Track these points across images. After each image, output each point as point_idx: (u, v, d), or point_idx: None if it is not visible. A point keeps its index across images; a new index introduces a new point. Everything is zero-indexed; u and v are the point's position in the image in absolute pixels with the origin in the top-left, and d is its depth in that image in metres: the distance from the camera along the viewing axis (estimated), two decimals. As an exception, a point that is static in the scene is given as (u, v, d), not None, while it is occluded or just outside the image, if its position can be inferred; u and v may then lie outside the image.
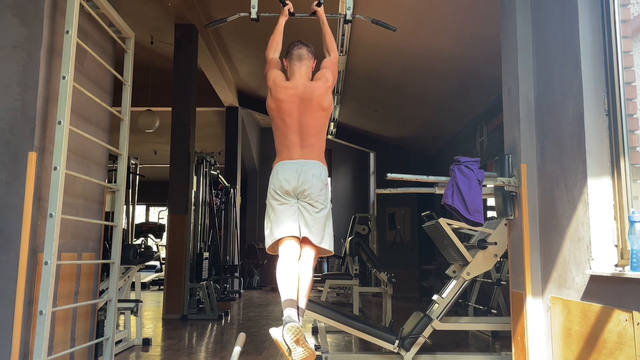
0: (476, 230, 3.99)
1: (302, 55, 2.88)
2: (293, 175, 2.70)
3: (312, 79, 2.88)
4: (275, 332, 2.44)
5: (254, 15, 3.14)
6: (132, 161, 8.33)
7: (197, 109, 7.56)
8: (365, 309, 7.96)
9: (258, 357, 4.42)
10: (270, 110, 2.86)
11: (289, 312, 2.43)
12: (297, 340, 2.33)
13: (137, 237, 11.52)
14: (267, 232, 2.76)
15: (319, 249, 2.74)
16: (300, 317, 2.50)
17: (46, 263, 2.55)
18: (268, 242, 2.75)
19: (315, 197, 2.70)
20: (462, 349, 4.85)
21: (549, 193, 2.89)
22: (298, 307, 2.52)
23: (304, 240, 2.72)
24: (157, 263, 13.59)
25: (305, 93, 2.80)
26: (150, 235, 12.15)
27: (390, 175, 3.23)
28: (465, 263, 3.82)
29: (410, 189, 3.66)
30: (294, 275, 2.59)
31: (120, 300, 4.74)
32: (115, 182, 3.54)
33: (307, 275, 2.64)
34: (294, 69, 2.88)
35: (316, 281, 8.31)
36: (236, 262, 10.26)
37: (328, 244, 2.74)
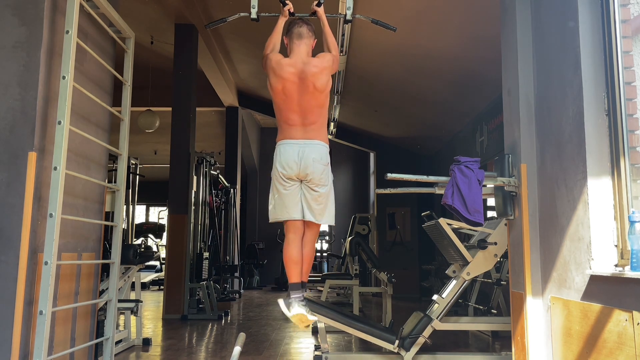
0: (476, 230, 3.99)
1: (302, 34, 2.92)
2: (294, 159, 2.80)
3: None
4: (282, 305, 2.87)
5: (254, 15, 3.13)
6: (132, 161, 8.33)
7: (197, 109, 7.56)
8: (365, 309, 7.96)
9: (258, 357, 4.43)
10: (272, 89, 2.91)
11: (295, 295, 2.83)
12: (301, 320, 2.80)
13: (137, 237, 11.52)
14: (270, 207, 2.92)
15: (320, 224, 2.97)
16: (304, 290, 2.89)
17: (46, 263, 2.55)
18: (271, 218, 2.94)
19: (317, 181, 2.83)
20: (462, 349, 4.85)
21: (549, 193, 2.89)
22: (302, 283, 2.89)
23: (306, 222, 2.92)
24: (157, 263, 13.58)
25: (304, 70, 2.84)
26: (150, 235, 12.15)
27: (390, 175, 3.23)
28: (465, 263, 3.82)
29: (410, 189, 3.67)
30: (299, 257, 2.88)
31: (120, 300, 4.74)
32: (115, 182, 3.54)
33: (309, 253, 2.94)
34: (293, 47, 2.92)
35: (316, 281, 8.30)
36: (236, 262, 10.26)
37: (329, 219, 2.94)
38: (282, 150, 2.85)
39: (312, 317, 2.86)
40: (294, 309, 2.78)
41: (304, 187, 2.86)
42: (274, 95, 2.90)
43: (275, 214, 2.89)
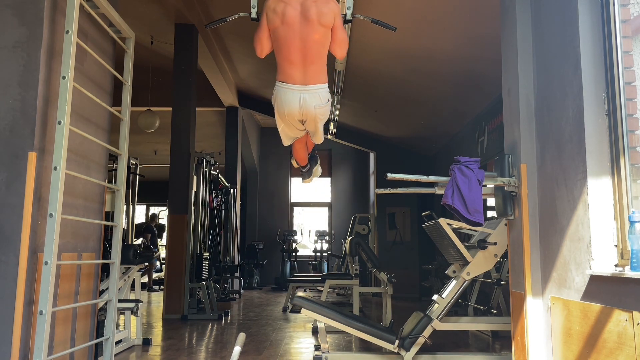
0: (476, 230, 3.99)
1: None
2: (296, 107, 2.90)
3: None
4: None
5: (254, 15, 3.13)
6: (132, 161, 8.33)
7: (197, 109, 7.56)
8: (365, 309, 7.96)
9: (258, 357, 4.42)
10: (271, 22, 2.90)
11: (305, 169, 3.54)
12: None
13: (137, 237, 11.52)
14: (279, 129, 3.13)
15: None
16: (310, 157, 3.53)
17: (46, 263, 2.55)
18: (282, 137, 3.19)
19: (317, 119, 2.98)
20: (462, 349, 4.85)
21: (549, 193, 2.89)
22: (309, 161, 3.50)
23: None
24: (157, 263, 13.58)
25: (308, 3, 2.86)
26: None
27: (390, 175, 3.23)
28: (465, 263, 3.82)
29: (410, 189, 3.66)
30: (305, 154, 3.42)
31: (120, 300, 4.74)
32: (115, 182, 3.54)
33: (312, 142, 3.38)
34: None
35: (316, 281, 8.31)
36: (236, 262, 10.26)
37: (321, 139, 3.25)
38: (282, 95, 2.92)
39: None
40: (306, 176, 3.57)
41: (305, 120, 3.03)
42: (274, 31, 2.90)
43: (283, 136, 3.17)
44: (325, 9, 2.89)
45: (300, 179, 3.87)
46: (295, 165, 3.60)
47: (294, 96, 2.89)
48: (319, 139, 3.24)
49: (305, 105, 2.88)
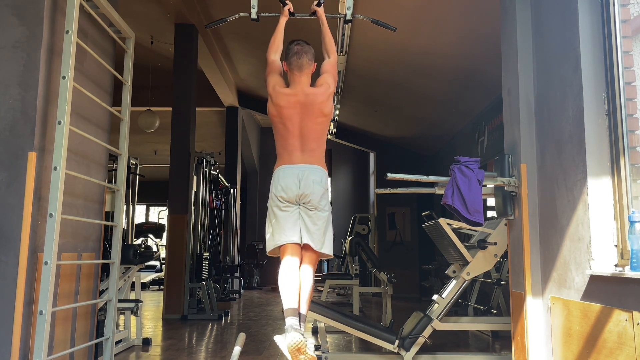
0: (476, 230, 3.99)
1: (303, 66, 2.84)
2: (294, 181, 2.71)
3: (312, 84, 2.88)
4: (279, 341, 2.54)
5: (254, 15, 3.14)
6: (132, 161, 8.33)
7: (197, 109, 7.56)
8: (365, 309, 7.96)
9: (258, 357, 4.43)
10: (271, 115, 2.87)
11: (291, 322, 2.48)
12: (299, 350, 2.40)
13: (137, 237, 11.52)
14: (268, 236, 2.78)
15: (319, 254, 2.77)
16: (302, 324, 2.57)
17: (46, 263, 2.55)
18: (269, 246, 2.77)
19: (316, 203, 2.72)
20: (462, 349, 4.85)
21: (549, 193, 2.89)
22: (300, 314, 2.58)
23: (304, 247, 2.74)
24: (157, 263, 13.58)
25: (306, 100, 2.80)
26: (150, 235, 12.14)
27: (390, 175, 3.23)
28: (465, 263, 3.82)
29: (410, 189, 3.66)
30: (295, 282, 2.63)
31: (120, 300, 4.74)
32: (115, 182, 3.54)
33: (308, 281, 2.67)
34: (294, 78, 2.85)
35: (316, 281, 8.29)
36: (236, 262, 10.26)
37: (328, 249, 2.76)
38: (281, 174, 2.76)
39: (311, 352, 2.45)
40: (290, 336, 2.40)
41: (303, 211, 2.74)
42: (274, 121, 2.86)
43: (272, 240, 2.73)
44: (326, 107, 2.83)
45: None
46: (279, 342, 2.58)
47: (293, 172, 2.74)
48: (322, 245, 2.72)
49: (304, 178, 2.71)
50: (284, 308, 2.57)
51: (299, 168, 2.75)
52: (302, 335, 2.43)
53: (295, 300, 2.58)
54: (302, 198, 2.72)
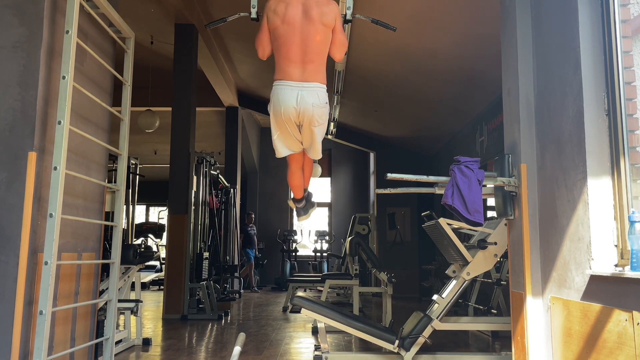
0: (476, 230, 3.99)
1: None
2: (293, 105, 2.83)
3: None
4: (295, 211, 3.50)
5: (254, 15, 3.14)
6: (132, 161, 8.33)
7: (197, 109, 7.56)
8: (365, 309, 7.96)
9: (258, 357, 4.42)
10: (272, 25, 2.90)
11: (299, 205, 3.41)
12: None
13: (137, 237, 11.51)
14: (274, 137, 3.03)
15: None
16: (306, 198, 3.42)
17: (46, 263, 2.55)
18: (275, 148, 3.09)
19: (315, 122, 2.89)
20: (462, 349, 4.85)
21: (549, 193, 2.89)
22: (304, 195, 3.38)
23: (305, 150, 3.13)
24: (157, 263, 13.58)
25: (309, 3, 2.86)
26: (150, 235, 12.14)
27: (390, 175, 3.23)
28: (465, 263, 3.82)
29: (410, 189, 3.66)
30: (301, 182, 3.28)
31: (120, 300, 4.74)
32: (115, 182, 3.54)
33: (308, 170, 3.29)
34: None
35: (316, 281, 8.31)
36: (236, 262, 10.26)
37: (319, 154, 3.13)
38: (279, 92, 2.86)
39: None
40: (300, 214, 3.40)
41: (302, 126, 2.94)
42: (274, 30, 2.89)
43: (278, 148, 3.05)
44: (326, 9, 2.89)
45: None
46: (291, 204, 3.49)
47: (292, 93, 2.83)
48: (316, 153, 3.10)
49: (302, 102, 2.82)
50: (295, 197, 3.39)
51: (297, 88, 2.83)
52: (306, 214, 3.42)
53: (301, 191, 3.34)
54: (301, 119, 2.87)
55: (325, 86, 2.93)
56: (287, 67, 2.86)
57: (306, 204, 3.47)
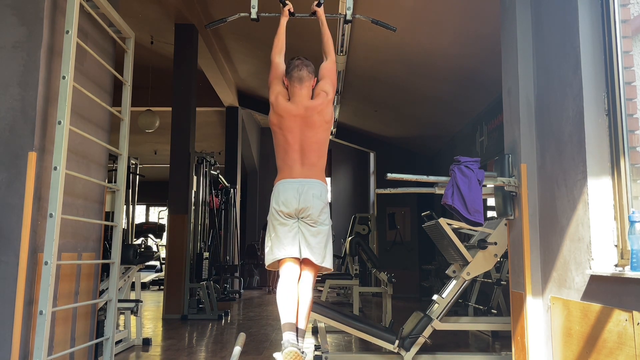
0: (476, 230, 3.99)
1: (303, 78, 2.86)
2: (294, 195, 2.71)
3: (312, 97, 2.88)
4: (277, 358, 2.52)
5: (254, 16, 3.14)
6: (132, 161, 8.33)
7: (197, 109, 7.56)
8: (365, 309, 7.96)
9: (258, 357, 4.43)
10: (273, 125, 2.88)
11: (288, 337, 2.50)
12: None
13: (137, 237, 11.52)
14: (267, 249, 2.79)
15: (318, 268, 2.78)
16: (300, 339, 2.58)
17: (46, 263, 2.55)
18: (268, 260, 2.77)
19: (316, 217, 2.73)
20: (462, 349, 4.85)
21: (549, 193, 2.89)
22: (297, 329, 2.58)
23: (304, 261, 2.74)
24: (157, 263, 13.58)
25: (306, 113, 2.82)
26: (150, 235, 12.14)
27: (390, 175, 3.23)
28: (465, 263, 3.82)
29: (410, 189, 3.66)
30: (294, 297, 2.62)
31: (120, 300, 4.74)
32: (115, 182, 3.54)
33: (307, 296, 2.68)
34: (294, 91, 2.86)
35: (316, 281, 8.32)
36: (236, 262, 10.26)
37: (329, 263, 2.78)
38: (281, 188, 2.77)
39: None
40: (287, 351, 2.42)
41: (302, 225, 2.73)
42: (274, 131, 2.88)
43: (271, 254, 2.73)
44: (327, 115, 2.85)
45: None
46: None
47: (293, 186, 2.74)
48: (321, 258, 2.72)
49: (303, 192, 2.71)
50: (282, 323, 2.57)
51: (298, 182, 2.75)
52: (299, 350, 2.44)
53: (293, 315, 2.57)
54: (301, 212, 2.72)
55: (326, 186, 2.85)
56: (288, 170, 2.81)
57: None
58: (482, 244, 3.78)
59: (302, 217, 2.73)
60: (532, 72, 3.16)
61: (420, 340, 3.71)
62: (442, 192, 3.24)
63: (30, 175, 2.64)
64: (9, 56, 2.74)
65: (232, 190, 9.73)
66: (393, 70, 7.12)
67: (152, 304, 8.60)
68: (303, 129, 2.81)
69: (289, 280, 2.66)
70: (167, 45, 7.66)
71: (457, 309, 6.67)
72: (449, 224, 3.83)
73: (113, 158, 4.23)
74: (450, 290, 3.88)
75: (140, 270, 5.62)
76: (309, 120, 2.81)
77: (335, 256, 10.12)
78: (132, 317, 5.07)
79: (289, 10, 3.07)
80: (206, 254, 7.49)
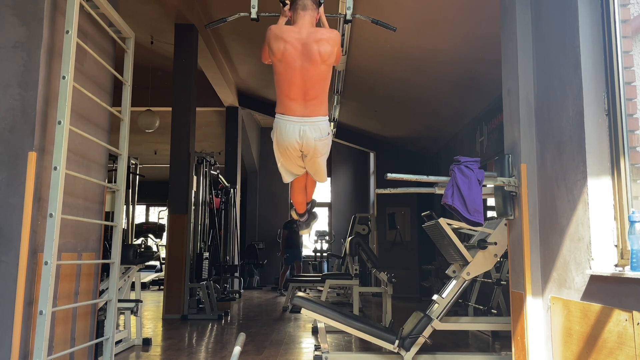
0: (476, 230, 3.99)
1: (307, 5, 2.92)
2: (296, 139, 2.86)
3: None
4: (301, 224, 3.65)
5: (254, 15, 3.13)
6: (132, 161, 8.33)
7: (197, 109, 7.56)
8: (365, 309, 7.96)
9: (258, 357, 4.42)
10: (273, 54, 2.88)
11: (302, 219, 3.56)
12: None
13: (137, 237, 11.52)
14: (279, 164, 3.09)
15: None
16: (308, 210, 3.56)
17: (46, 263, 2.55)
18: (281, 171, 3.13)
19: (318, 154, 2.94)
20: (462, 349, 4.85)
21: (549, 193, 2.89)
22: (306, 211, 3.53)
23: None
24: (157, 263, 13.59)
25: (308, 38, 2.84)
26: (150, 235, 12.14)
27: (390, 175, 3.23)
28: (465, 263, 3.82)
29: (410, 189, 3.66)
30: (304, 199, 3.43)
31: (120, 300, 4.74)
32: (115, 182, 3.54)
33: (312, 187, 3.39)
34: (297, 18, 2.92)
35: (316, 281, 8.32)
36: (236, 262, 10.26)
37: (325, 177, 3.19)
38: (282, 126, 2.87)
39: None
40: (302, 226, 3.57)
41: (305, 156, 2.98)
42: (275, 63, 2.89)
43: (283, 174, 3.13)
44: (327, 48, 2.85)
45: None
46: (294, 215, 3.59)
47: (294, 128, 2.85)
48: (322, 178, 3.16)
49: (305, 137, 2.84)
50: (298, 212, 3.52)
51: (300, 123, 2.84)
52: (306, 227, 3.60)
53: (304, 207, 3.49)
54: (304, 151, 2.91)
55: (327, 118, 2.94)
56: (289, 103, 2.86)
57: (308, 217, 3.58)
58: (482, 244, 3.77)
59: (305, 154, 2.96)
60: (532, 72, 3.16)
61: (420, 340, 3.71)
62: (442, 192, 3.24)
63: (30, 175, 2.64)
64: (9, 56, 2.74)
65: (232, 190, 9.73)
66: (393, 70, 7.12)
67: (152, 304, 8.60)
68: (304, 61, 2.83)
69: (300, 191, 3.38)
70: (167, 45, 7.66)
71: (457, 309, 6.67)
72: (449, 224, 3.83)
73: (113, 158, 4.23)
74: (450, 290, 3.88)
75: (140, 270, 5.62)
76: (311, 50, 2.82)
77: (336, 256, 10.13)
78: (132, 317, 5.07)
79: (288, 10, 3.07)
80: (206, 254, 7.49)
